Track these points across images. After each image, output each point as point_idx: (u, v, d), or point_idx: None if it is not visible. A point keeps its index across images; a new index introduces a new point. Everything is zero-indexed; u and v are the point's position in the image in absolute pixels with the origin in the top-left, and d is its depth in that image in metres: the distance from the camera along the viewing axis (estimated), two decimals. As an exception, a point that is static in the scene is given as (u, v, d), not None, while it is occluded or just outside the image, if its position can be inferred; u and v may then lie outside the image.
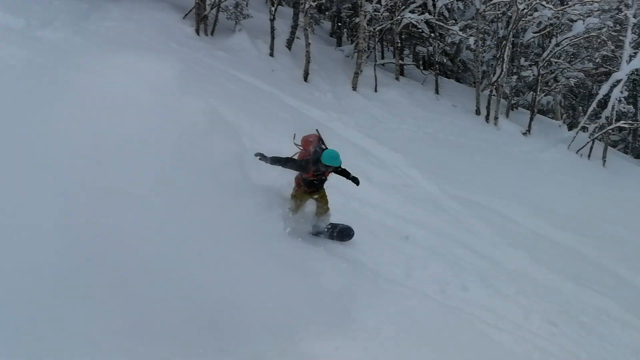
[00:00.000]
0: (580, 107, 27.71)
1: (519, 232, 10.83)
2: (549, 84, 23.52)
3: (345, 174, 6.86)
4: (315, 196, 6.78)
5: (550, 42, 21.18)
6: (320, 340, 4.66)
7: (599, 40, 23.95)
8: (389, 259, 7.13)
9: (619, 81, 21.11)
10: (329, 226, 7.00)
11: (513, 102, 22.54)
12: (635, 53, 21.57)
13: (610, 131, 21.85)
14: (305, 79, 16.20)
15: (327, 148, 6.41)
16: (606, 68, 24.95)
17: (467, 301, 6.76)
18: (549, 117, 26.00)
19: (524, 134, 20.09)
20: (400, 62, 20.23)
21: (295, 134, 6.85)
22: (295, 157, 6.62)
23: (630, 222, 14.95)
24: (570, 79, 23.81)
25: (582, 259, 10.62)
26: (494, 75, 20.26)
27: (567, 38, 21.00)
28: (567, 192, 15.78)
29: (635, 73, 25.77)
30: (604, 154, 21.30)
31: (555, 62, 22.59)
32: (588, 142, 21.00)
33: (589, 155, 21.12)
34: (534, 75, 21.87)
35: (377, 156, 12.14)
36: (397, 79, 19.51)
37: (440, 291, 6.79)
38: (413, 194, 10.52)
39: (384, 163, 11.78)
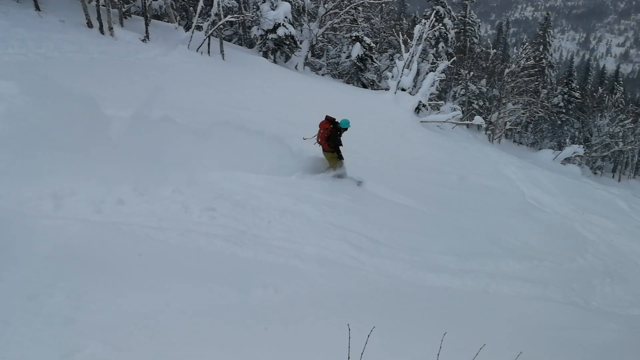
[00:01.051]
0: (191, 8, 28.45)
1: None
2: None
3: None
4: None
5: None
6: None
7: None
8: (32, 194, 6.30)
9: (218, -23, 22.20)
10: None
11: (124, 9, 21.70)
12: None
13: (222, 26, 23.15)
14: None
15: (337, 120, 10.16)
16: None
17: (127, 213, 6.56)
18: (165, 22, 26.06)
19: (143, 40, 19.76)
20: (-18, -23, 17.11)
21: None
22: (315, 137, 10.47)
23: (258, 105, 16.55)
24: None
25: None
26: (96, -17, 18.98)
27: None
28: (194, 88, 16.40)
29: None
30: (221, 49, 22.66)
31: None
32: (205, 40, 21.97)
33: (209, 52, 22.24)
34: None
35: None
36: (-18, -3, 16.57)
37: (97, 211, 6.39)
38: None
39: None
